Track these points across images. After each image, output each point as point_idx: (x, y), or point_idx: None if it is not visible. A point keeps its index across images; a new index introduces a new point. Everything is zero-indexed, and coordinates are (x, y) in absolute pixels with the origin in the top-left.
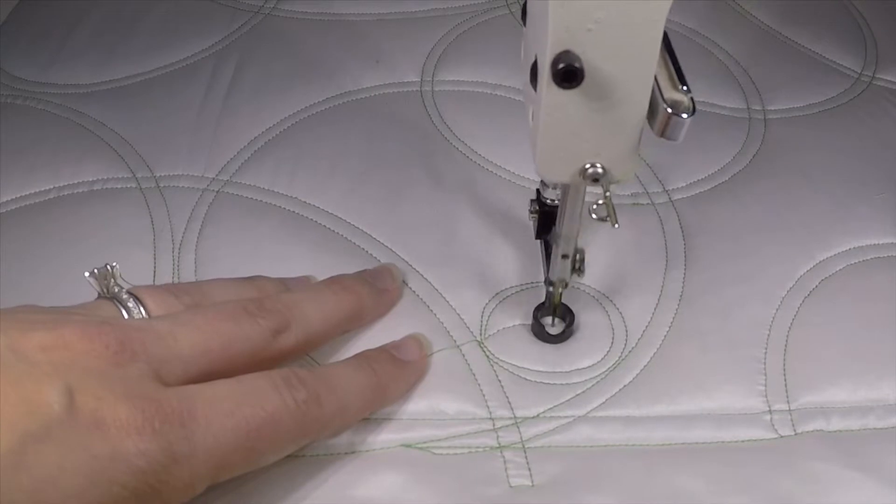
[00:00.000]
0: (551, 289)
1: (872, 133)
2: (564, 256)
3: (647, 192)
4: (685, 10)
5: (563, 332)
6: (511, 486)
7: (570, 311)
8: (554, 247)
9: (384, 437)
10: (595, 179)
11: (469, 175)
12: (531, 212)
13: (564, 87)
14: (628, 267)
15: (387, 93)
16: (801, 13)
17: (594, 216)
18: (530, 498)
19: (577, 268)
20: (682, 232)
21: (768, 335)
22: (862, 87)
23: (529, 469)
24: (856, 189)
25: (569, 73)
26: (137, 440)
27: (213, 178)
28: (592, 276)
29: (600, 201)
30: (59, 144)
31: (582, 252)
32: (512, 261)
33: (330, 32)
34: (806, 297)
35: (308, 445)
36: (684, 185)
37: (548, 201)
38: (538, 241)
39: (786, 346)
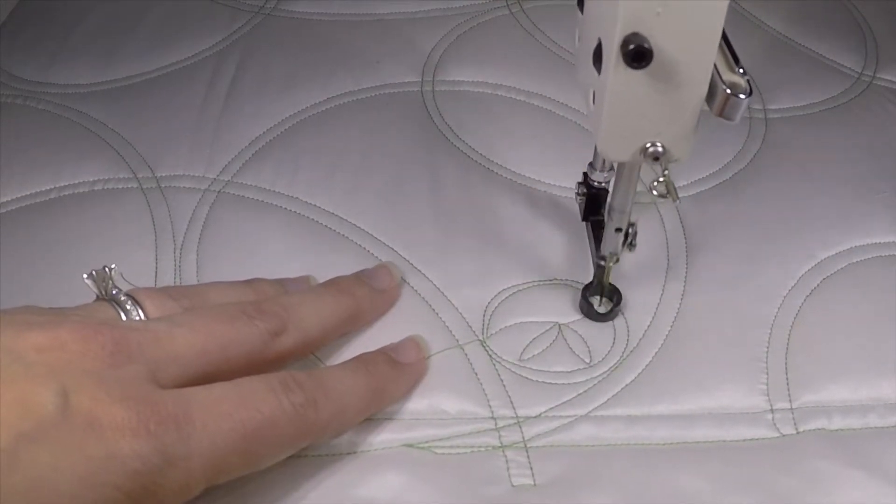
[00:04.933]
0: (602, 263)
1: (873, 132)
2: (618, 230)
3: (649, 191)
4: None
5: (611, 310)
6: (513, 486)
7: (618, 291)
8: (608, 220)
9: (386, 437)
10: (655, 158)
11: (469, 175)
12: (578, 194)
13: (634, 67)
14: (629, 266)
15: (387, 93)
16: (801, 13)
17: (655, 192)
18: (532, 497)
19: (630, 242)
20: (684, 230)
21: (770, 334)
22: (862, 86)
23: (531, 468)
24: (857, 188)
25: (639, 54)
26: (132, 442)
27: (215, 179)
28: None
29: (660, 179)
30: (59, 144)
31: (635, 226)
32: (513, 259)
33: (330, 32)
34: (807, 296)
35: (308, 446)
36: (686, 183)
37: (595, 184)
38: (583, 223)
39: (787, 344)
